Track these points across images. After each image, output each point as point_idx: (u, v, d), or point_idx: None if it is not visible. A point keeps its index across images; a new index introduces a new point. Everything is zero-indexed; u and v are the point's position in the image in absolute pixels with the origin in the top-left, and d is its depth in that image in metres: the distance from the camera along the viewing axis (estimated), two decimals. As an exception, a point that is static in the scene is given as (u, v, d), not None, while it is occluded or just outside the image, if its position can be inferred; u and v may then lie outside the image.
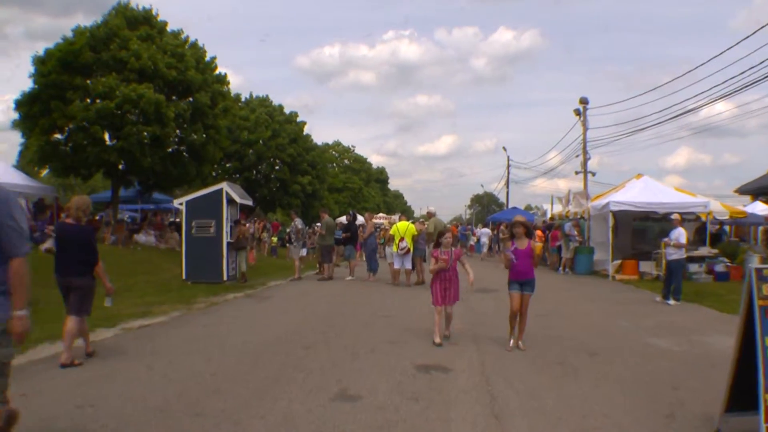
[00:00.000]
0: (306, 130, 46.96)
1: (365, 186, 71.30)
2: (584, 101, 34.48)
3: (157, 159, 27.19)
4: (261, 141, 42.18)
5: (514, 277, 8.20)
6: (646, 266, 19.19)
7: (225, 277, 16.54)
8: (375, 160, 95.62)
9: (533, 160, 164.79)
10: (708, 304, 12.68)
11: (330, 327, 9.44)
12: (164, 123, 24.04)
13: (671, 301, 12.87)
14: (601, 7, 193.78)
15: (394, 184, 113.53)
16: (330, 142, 75.86)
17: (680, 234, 12.98)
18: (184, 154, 28.23)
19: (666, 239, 13.35)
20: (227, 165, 43.53)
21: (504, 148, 55.18)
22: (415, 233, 15.83)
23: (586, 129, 34.45)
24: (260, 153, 42.40)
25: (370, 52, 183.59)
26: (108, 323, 9.38)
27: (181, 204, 17.33)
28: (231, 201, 17.13)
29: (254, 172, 44.67)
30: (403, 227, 15.71)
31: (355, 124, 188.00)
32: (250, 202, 18.94)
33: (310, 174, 46.28)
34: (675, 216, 13.71)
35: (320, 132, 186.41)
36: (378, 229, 19.90)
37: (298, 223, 18.54)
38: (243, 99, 46.64)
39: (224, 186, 17.13)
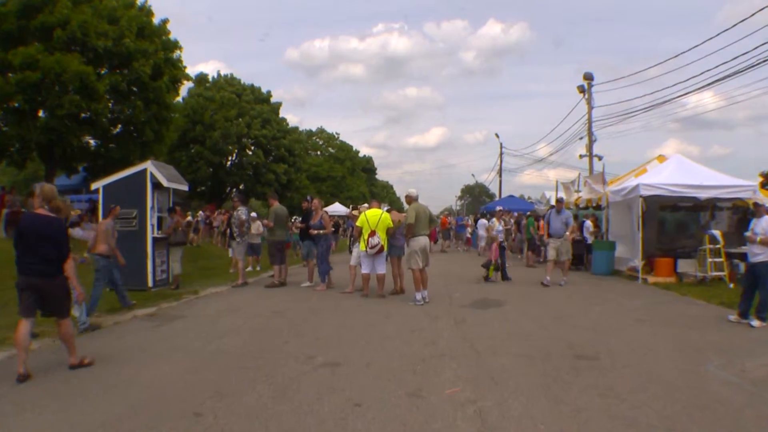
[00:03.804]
0: (295, 121, 43.31)
1: (350, 175, 66.93)
2: (589, 77, 30.70)
3: (90, 138, 23.68)
4: (226, 119, 37.82)
5: None
6: (684, 266, 15.23)
7: (151, 283, 12.74)
8: (364, 152, 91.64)
9: (524, 148, 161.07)
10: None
11: (220, 393, 5.27)
12: (94, 98, 20.27)
13: (755, 322, 8.90)
14: None
15: (383, 175, 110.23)
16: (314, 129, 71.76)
17: (770, 226, 8.94)
18: (134, 134, 24.48)
19: (749, 233, 9.25)
20: (192, 150, 39.28)
21: (497, 135, 51.47)
22: (391, 225, 11.70)
23: (591, 108, 30.57)
24: (226, 133, 38.05)
25: (360, 44, 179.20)
26: None
27: (97, 190, 13.34)
28: (158, 185, 13.14)
29: (224, 158, 40.44)
30: (374, 217, 11.51)
31: (346, 116, 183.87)
32: (184, 186, 14.80)
33: (287, 161, 42.10)
34: (761, 199, 9.63)
35: (310, 124, 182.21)
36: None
37: (242, 212, 14.26)
38: (211, 79, 42.50)
39: (149, 166, 13.23)
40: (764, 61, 17.05)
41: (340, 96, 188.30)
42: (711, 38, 31.12)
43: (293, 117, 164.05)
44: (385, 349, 6.95)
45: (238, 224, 14.18)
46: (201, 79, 41.66)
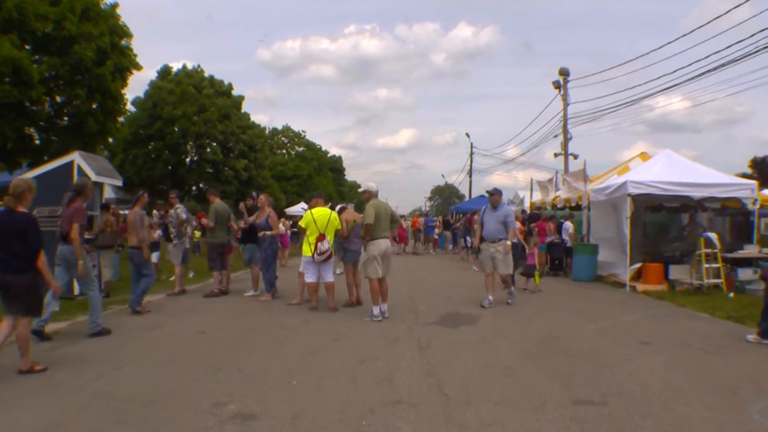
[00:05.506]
0: (265, 121, 41.16)
1: (316, 174, 64.95)
2: (565, 73, 29.63)
3: (32, 129, 21.57)
4: (184, 114, 35.76)
5: None
6: (675, 272, 13.75)
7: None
8: (335, 152, 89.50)
9: (494, 147, 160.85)
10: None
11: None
12: (28, 84, 18.24)
13: (778, 343, 7.37)
14: (558, 3, 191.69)
15: (353, 175, 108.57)
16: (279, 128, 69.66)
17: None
18: (78, 125, 22.34)
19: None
20: (149, 146, 37.12)
21: (467, 134, 49.98)
22: (340, 227, 9.94)
23: (566, 104, 29.39)
24: (186, 130, 35.97)
25: (332, 45, 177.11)
26: None
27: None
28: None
29: (183, 156, 38.31)
30: (322, 218, 9.69)
31: (316, 117, 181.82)
32: (117, 182, 13.01)
33: (248, 157, 40.08)
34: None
35: (280, 124, 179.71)
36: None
37: (181, 211, 12.42)
38: (174, 72, 40.20)
39: (76, 157, 11.59)
40: (724, 64, 17.00)
41: (310, 96, 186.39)
42: (675, 40, 30.44)
43: (263, 117, 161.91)
44: (322, 392, 5.17)
45: (177, 224, 12.34)
46: (164, 71, 39.49)
